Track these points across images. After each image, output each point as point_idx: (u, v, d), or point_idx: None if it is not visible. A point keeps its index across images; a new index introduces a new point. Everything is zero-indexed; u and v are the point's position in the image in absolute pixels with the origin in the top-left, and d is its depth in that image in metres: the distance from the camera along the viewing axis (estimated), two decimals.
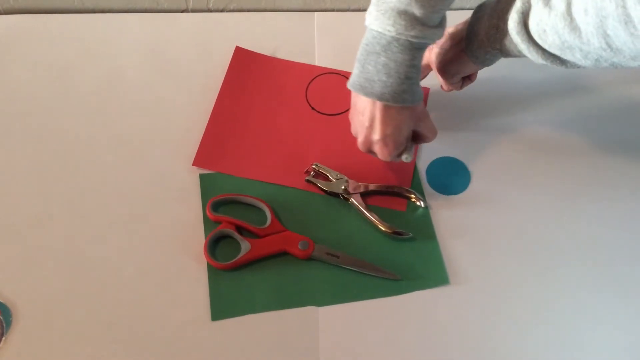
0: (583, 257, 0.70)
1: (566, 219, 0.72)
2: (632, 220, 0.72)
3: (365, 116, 0.64)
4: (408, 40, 0.58)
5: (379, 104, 0.62)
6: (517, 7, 0.58)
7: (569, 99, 0.81)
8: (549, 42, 0.56)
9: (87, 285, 0.66)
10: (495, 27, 0.61)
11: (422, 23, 0.58)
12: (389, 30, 0.58)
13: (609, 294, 0.68)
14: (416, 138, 0.69)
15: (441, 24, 0.61)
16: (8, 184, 0.72)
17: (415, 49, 0.59)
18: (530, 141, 0.77)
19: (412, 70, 0.60)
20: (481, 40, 0.63)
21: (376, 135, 0.64)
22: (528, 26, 0.58)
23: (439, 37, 0.61)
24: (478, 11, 0.65)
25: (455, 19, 0.69)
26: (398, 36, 0.58)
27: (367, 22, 0.60)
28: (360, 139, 0.67)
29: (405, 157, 0.67)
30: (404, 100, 0.62)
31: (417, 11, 0.57)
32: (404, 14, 0.57)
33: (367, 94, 0.62)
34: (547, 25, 0.55)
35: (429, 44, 0.61)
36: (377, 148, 0.66)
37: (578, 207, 0.73)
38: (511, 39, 0.60)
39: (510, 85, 0.82)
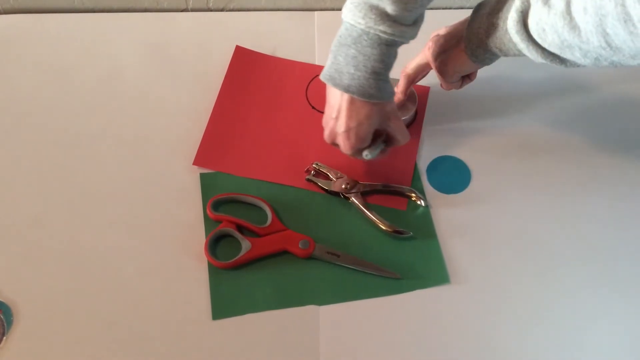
0: (583, 256, 0.70)
1: (566, 218, 0.72)
2: (632, 220, 0.72)
3: (333, 108, 0.64)
4: (377, 35, 0.59)
5: (345, 97, 0.62)
6: (516, 6, 0.58)
7: (568, 98, 0.81)
8: (549, 41, 0.56)
9: (87, 285, 0.66)
10: (494, 26, 0.61)
11: (393, 20, 0.58)
12: (359, 23, 0.59)
13: (608, 293, 0.68)
14: (388, 140, 0.69)
15: (415, 23, 0.61)
16: (8, 184, 0.72)
17: (385, 45, 0.60)
18: (531, 140, 0.78)
19: (381, 66, 0.61)
20: (480, 40, 0.63)
21: (340, 128, 0.65)
22: (527, 25, 0.58)
23: (412, 37, 0.61)
24: (477, 10, 0.65)
25: (455, 18, 0.69)
26: (367, 29, 0.58)
27: (342, 14, 0.61)
28: (326, 131, 0.68)
29: (365, 154, 0.67)
30: (371, 96, 0.62)
31: (388, 7, 0.57)
32: (376, 9, 0.58)
33: (336, 85, 0.62)
34: (546, 24, 0.55)
35: (400, 42, 0.61)
36: (339, 140, 0.66)
37: (578, 206, 0.73)
38: (510, 38, 0.60)
39: (510, 84, 0.82)
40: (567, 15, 0.53)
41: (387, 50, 0.60)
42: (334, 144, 0.68)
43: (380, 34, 0.58)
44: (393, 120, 0.66)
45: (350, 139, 0.65)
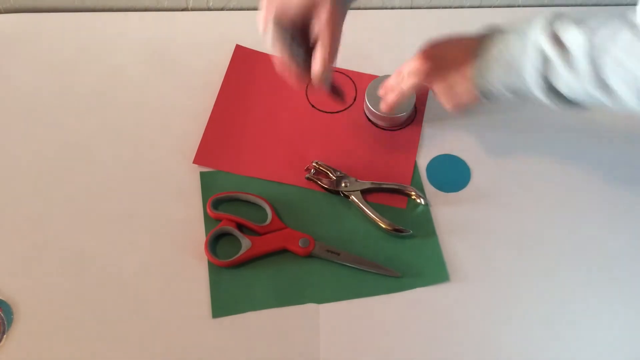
0: (582, 255, 0.70)
1: (565, 216, 0.72)
2: (631, 220, 0.72)
3: None
4: None
5: None
6: (534, 64, 0.57)
7: None
8: (580, 100, 0.58)
9: (88, 283, 0.66)
10: (513, 84, 0.62)
11: None
12: None
13: (608, 291, 0.68)
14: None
15: None
16: (8, 183, 0.72)
17: None
18: (530, 139, 0.78)
19: None
20: (498, 90, 0.64)
21: None
22: (556, 88, 0.58)
23: None
24: (484, 54, 0.63)
25: (455, 18, 0.69)
26: None
27: None
28: None
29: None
30: None
31: None
32: None
33: None
34: (577, 89, 0.57)
35: None
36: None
37: (577, 204, 0.73)
38: (536, 97, 0.61)
39: None
40: (597, 82, 0.54)
41: None
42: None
43: None
44: (322, 7, 0.58)
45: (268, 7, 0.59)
